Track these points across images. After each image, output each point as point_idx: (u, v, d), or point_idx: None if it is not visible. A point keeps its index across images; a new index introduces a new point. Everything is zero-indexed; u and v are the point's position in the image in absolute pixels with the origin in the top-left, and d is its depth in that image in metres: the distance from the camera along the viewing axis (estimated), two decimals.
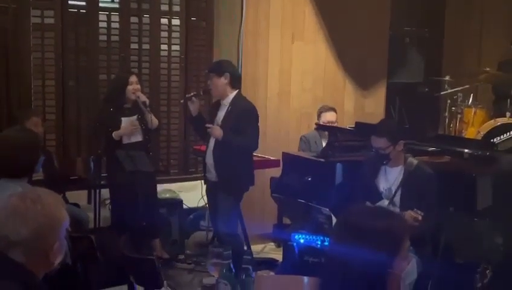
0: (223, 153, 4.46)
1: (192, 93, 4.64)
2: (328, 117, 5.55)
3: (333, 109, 5.62)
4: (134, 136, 4.90)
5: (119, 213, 4.90)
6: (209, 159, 4.53)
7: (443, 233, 3.73)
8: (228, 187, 4.48)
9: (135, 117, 4.90)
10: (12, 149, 2.88)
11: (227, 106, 4.47)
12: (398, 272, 1.57)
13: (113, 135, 4.83)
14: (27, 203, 1.88)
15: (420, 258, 3.59)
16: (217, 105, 4.59)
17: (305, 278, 3.02)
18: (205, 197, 5.37)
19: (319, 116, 5.61)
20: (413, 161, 3.94)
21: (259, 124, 4.58)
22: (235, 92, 4.49)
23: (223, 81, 4.43)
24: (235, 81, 4.50)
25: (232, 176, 4.45)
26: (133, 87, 4.88)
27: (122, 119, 4.87)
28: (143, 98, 4.90)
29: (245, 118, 4.43)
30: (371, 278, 1.53)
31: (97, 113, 5.24)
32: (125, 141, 4.88)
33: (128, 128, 4.86)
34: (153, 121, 4.93)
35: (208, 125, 4.45)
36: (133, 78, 4.93)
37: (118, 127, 4.85)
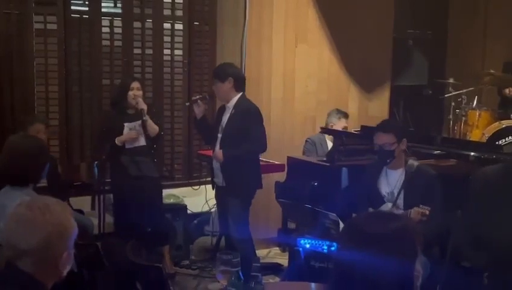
0: None
1: (198, 96, 4.59)
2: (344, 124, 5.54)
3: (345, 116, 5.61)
4: (137, 141, 4.88)
5: (122, 219, 4.87)
6: (216, 164, 4.51)
7: (451, 236, 3.69)
8: (236, 191, 4.45)
9: (138, 122, 4.86)
10: (20, 157, 2.85)
11: (231, 109, 4.45)
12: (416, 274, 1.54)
13: (115, 140, 4.82)
14: (35, 213, 1.86)
15: (428, 260, 3.56)
16: (222, 110, 4.57)
17: (312, 285, 3.00)
18: (209, 202, 5.36)
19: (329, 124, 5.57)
20: (414, 162, 3.92)
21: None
22: (239, 95, 4.47)
23: (227, 85, 4.41)
24: (239, 84, 4.47)
25: (239, 180, 4.43)
26: (134, 92, 4.84)
27: (125, 124, 4.85)
28: (141, 105, 4.83)
29: (248, 119, 4.40)
30: (401, 285, 1.49)
31: (102, 118, 5.22)
32: (128, 145, 4.86)
33: (130, 135, 4.84)
34: (151, 128, 4.85)
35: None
36: (135, 84, 4.88)
37: (120, 132, 4.84)
